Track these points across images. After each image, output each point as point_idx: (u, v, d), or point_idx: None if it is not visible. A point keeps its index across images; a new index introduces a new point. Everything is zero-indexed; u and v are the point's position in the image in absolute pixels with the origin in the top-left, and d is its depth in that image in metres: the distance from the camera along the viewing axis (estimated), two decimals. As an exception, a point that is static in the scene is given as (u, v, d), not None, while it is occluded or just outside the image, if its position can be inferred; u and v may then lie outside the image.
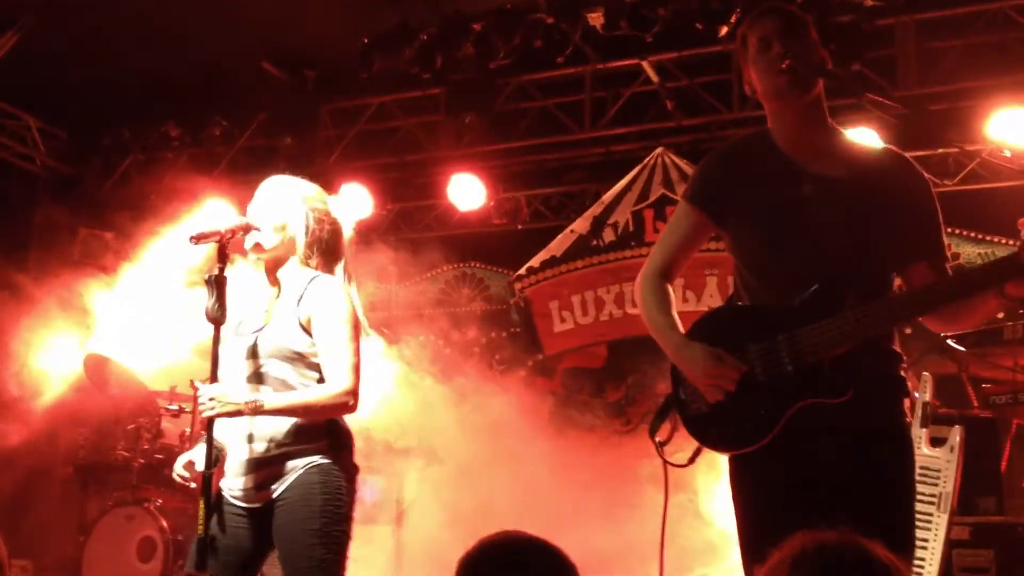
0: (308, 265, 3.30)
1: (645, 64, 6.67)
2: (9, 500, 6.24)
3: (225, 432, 3.20)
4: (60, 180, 8.21)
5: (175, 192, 7.43)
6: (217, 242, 3.15)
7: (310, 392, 3.15)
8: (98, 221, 7.84)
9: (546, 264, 7.35)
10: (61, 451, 6.52)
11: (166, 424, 6.28)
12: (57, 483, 6.68)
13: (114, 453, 6.26)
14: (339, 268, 3.38)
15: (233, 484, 3.19)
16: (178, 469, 3.22)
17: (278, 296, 3.29)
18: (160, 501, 5.96)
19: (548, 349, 7.34)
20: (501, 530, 2.19)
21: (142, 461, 6.05)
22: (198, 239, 3.16)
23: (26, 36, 6.96)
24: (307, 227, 3.29)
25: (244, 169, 7.76)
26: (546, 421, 6.66)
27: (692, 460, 2.83)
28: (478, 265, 7.87)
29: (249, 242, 3.23)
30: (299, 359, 3.18)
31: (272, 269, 3.32)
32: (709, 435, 2.75)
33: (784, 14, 2.76)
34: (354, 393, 3.16)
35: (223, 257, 3.15)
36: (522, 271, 7.44)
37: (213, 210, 7.34)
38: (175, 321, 6.68)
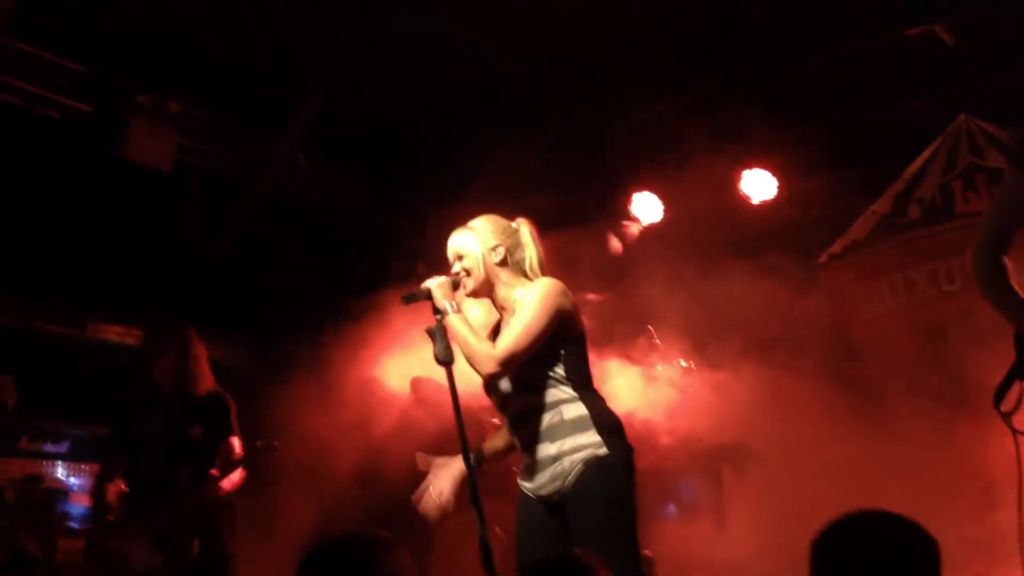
0: (512, 284, 3.71)
1: (938, 28, 6.34)
2: (359, 514, 6.74)
3: (517, 437, 3.66)
4: (376, 220, 8.80)
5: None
6: (427, 299, 3.58)
7: (479, 340, 3.51)
8: (412, 255, 8.30)
9: (848, 249, 7.09)
10: (398, 467, 6.95)
11: (490, 437, 6.58)
12: (398, 497, 7.12)
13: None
14: (531, 271, 3.76)
15: (531, 483, 3.62)
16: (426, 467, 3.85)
17: (502, 317, 3.76)
18: (493, 508, 6.24)
19: (858, 337, 7.07)
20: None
21: (474, 460, 6.35)
22: (408, 299, 3.64)
23: (331, 91, 7.57)
24: (486, 260, 3.71)
25: (536, 191, 7.99)
26: (863, 412, 6.40)
27: None
28: (777, 258, 7.69)
29: (461, 293, 3.69)
30: (535, 361, 3.52)
31: (494, 302, 3.76)
32: None
33: None
34: (499, 363, 3.47)
35: (436, 310, 3.56)
36: (823, 259, 7.22)
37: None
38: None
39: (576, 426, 3.50)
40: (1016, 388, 2.77)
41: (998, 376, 2.86)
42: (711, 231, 7.81)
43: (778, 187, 7.20)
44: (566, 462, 3.48)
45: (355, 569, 2.35)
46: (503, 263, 3.72)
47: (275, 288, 8.11)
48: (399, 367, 7.17)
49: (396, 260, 8.33)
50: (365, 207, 8.82)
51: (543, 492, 3.57)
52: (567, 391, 3.56)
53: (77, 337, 7.33)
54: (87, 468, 6.29)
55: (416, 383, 7.00)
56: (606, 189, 8.07)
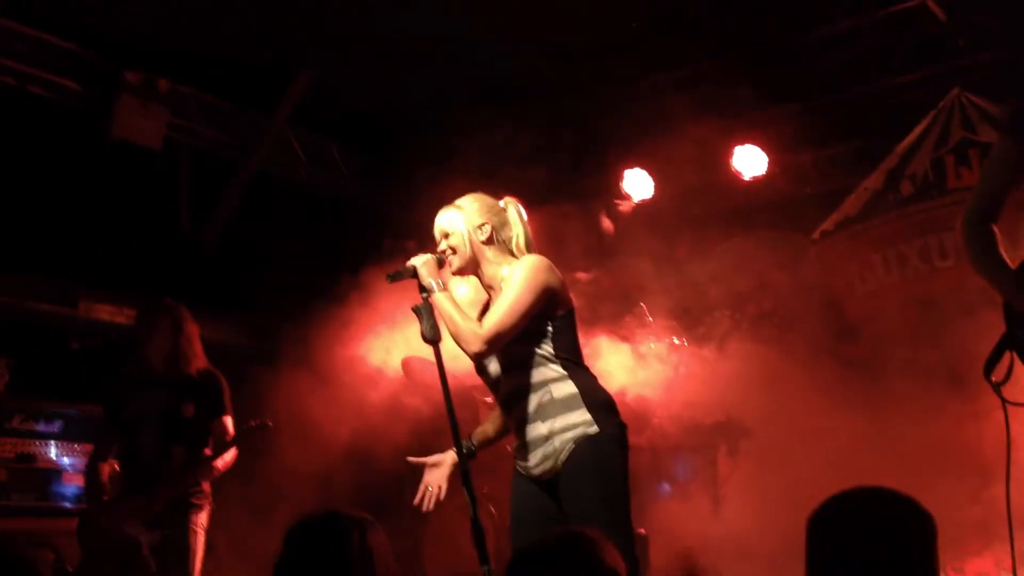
0: (499, 262, 3.67)
1: (930, 3, 6.33)
2: (352, 494, 6.75)
3: (509, 417, 3.63)
4: (366, 199, 8.78)
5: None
6: (413, 277, 3.55)
7: (465, 319, 3.48)
8: (403, 234, 8.29)
9: (841, 225, 7.09)
10: (391, 448, 6.96)
11: (483, 415, 6.60)
12: (392, 477, 7.14)
13: (440, 447, 6.61)
14: (518, 249, 3.72)
15: (524, 462, 3.58)
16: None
17: (490, 296, 3.71)
18: (486, 489, 6.26)
19: (851, 313, 7.08)
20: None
21: (465, 452, 6.36)
22: (394, 277, 3.60)
23: (320, 71, 7.54)
24: (471, 238, 3.66)
25: (529, 167, 7.97)
26: (856, 390, 6.41)
27: None
28: (769, 234, 7.70)
29: (447, 271, 3.65)
30: (523, 339, 3.49)
31: (481, 280, 3.70)
32: None
33: None
34: (485, 341, 3.44)
35: (422, 288, 3.53)
36: (815, 235, 7.22)
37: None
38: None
39: (566, 405, 3.48)
40: (1006, 358, 2.77)
41: (989, 348, 2.86)
42: (702, 207, 7.82)
43: (769, 163, 7.20)
44: (557, 441, 3.45)
45: (333, 546, 2.43)
46: (489, 241, 3.68)
47: (266, 267, 8.10)
48: (390, 346, 7.17)
49: (387, 238, 8.31)
50: (356, 185, 8.80)
51: (536, 471, 3.54)
52: (556, 369, 3.53)
53: (69, 316, 7.31)
54: (80, 448, 6.27)
55: (408, 363, 7.01)
56: (597, 166, 8.06)
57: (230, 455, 5.05)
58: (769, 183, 7.33)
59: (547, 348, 3.53)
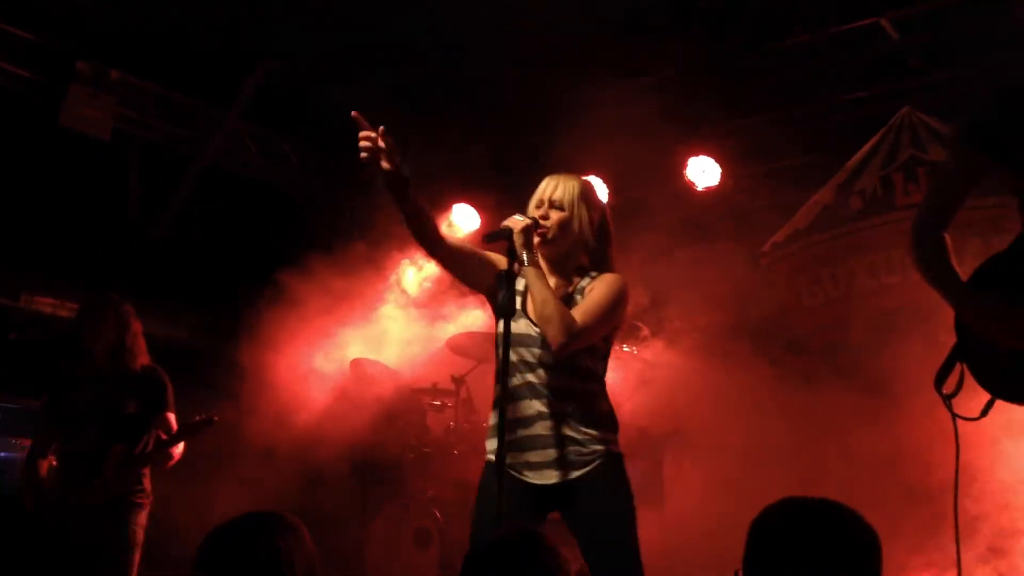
0: (589, 256, 3.48)
1: (884, 22, 6.40)
2: (294, 497, 6.67)
3: (526, 410, 3.38)
4: (318, 196, 8.71)
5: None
6: (507, 239, 3.32)
7: (561, 305, 3.27)
8: (353, 232, 8.24)
9: (791, 238, 7.14)
10: (335, 450, 6.90)
11: (431, 420, 6.58)
12: (335, 480, 7.06)
13: (385, 450, 6.61)
14: (605, 267, 3.52)
15: (527, 458, 3.37)
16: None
17: (566, 290, 3.47)
18: (432, 493, 6.24)
19: (798, 326, 7.12)
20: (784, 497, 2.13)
21: (412, 456, 6.37)
22: (491, 238, 3.38)
23: (277, 66, 7.47)
24: (586, 226, 3.46)
25: (483, 172, 7.95)
26: (803, 401, 6.45)
27: (985, 413, 2.71)
28: (718, 245, 7.72)
29: (539, 238, 3.40)
30: (591, 350, 3.41)
31: (554, 273, 3.48)
32: (1004, 386, 2.62)
33: None
34: (574, 335, 3.25)
35: (512, 254, 3.31)
36: (766, 247, 7.26)
37: (460, 214, 7.61)
38: (431, 320, 6.99)
39: (599, 419, 3.41)
40: (956, 370, 2.77)
41: (938, 362, 2.86)
42: (656, 216, 7.81)
43: (723, 174, 7.22)
44: (586, 450, 3.34)
45: (252, 551, 2.27)
46: (593, 241, 3.48)
47: (213, 261, 8.01)
48: (338, 344, 7.13)
49: (336, 235, 8.25)
50: (307, 181, 8.73)
51: (545, 472, 3.36)
52: (601, 385, 3.49)
53: (10, 308, 7.17)
54: (16, 443, 6.13)
55: (356, 363, 6.96)
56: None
57: (179, 449, 4.97)
58: (722, 194, 7.35)
59: (601, 365, 3.49)
